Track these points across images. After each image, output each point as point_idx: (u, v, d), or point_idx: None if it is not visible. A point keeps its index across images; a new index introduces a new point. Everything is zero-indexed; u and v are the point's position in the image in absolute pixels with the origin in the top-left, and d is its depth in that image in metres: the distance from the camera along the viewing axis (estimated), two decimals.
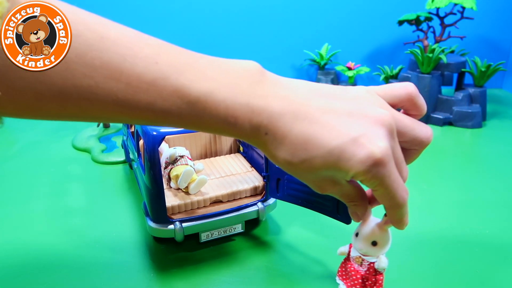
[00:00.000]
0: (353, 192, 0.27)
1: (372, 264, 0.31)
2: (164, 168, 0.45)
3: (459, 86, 0.89)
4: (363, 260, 0.31)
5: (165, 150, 0.46)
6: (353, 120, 0.22)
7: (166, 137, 0.41)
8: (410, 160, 0.27)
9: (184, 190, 0.43)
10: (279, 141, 0.23)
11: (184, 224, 0.40)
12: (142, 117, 0.23)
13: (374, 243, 0.30)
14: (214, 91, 0.22)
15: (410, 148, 0.26)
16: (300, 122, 0.22)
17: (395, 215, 0.26)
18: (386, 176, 0.23)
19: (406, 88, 0.26)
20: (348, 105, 0.23)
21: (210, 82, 0.22)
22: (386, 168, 0.22)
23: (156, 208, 0.39)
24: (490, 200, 0.53)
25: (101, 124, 0.75)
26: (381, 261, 0.31)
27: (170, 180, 0.44)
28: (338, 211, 0.36)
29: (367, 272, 0.32)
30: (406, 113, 0.28)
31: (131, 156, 0.54)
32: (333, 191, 0.26)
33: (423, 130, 0.26)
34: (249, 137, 0.24)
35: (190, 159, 0.45)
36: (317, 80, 1.04)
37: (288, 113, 0.22)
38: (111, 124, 0.77)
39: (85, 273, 0.39)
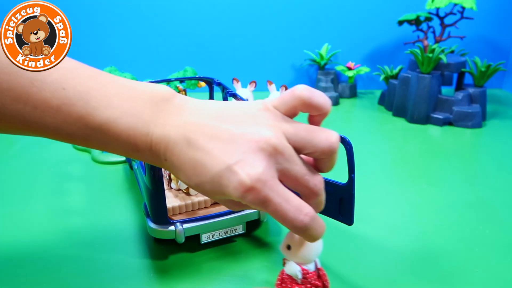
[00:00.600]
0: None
1: None
2: (165, 169, 0.45)
3: (459, 86, 0.89)
4: (285, 263, 0.31)
5: None
6: (234, 146, 0.23)
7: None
8: (325, 168, 0.27)
9: (185, 191, 0.43)
10: (177, 167, 0.24)
11: (185, 225, 0.40)
12: (51, 137, 0.24)
13: (288, 247, 0.30)
14: (116, 120, 0.23)
15: (319, 158, 0.26)
16: (191, 149, 0.23)
17: (300, 235, 0.26)
18: (265, 201, 0.23)
19: (292, 92, 0.25)
20: (236, 128, 0.24)
21: (113, 110, 0.23)
22: (262, 194, 0.22)
23: (156, 209, 0.39)
24: (490, 200, 0.53)
25: None
26: (287, 266, 0.30)
27: (171, 180, 0.44)
28: (340, 212, 0.36)
29: (286, 276, 0.31)
30: (311, 116, 0.27)
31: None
32: (246, 208, 0.27)
33: (322, 138, 0.25)
34: (153, 162, 0.25)
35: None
36: (317, 80, 1.04)
37: (181, 141, 0.24)
38: None
39: (85, 273, 0.39)
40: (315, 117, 0.27)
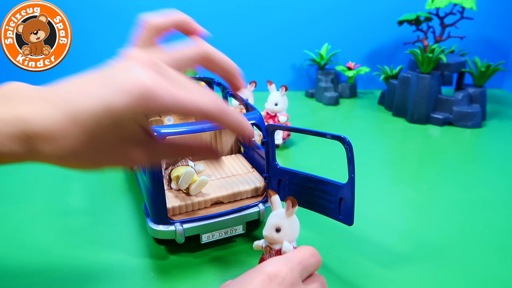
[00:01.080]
0: (168, 147, 0.25)
1: (278, 252, 0.32)
2: (165, 169, 0.45)
3: (459, 86, 0.89)
4: (270, 249, 0.32)
5: None
6: (107, 78, 0.20)
7: (167, 137, 0.41)
8: (226, 71, 0.27)
9: (184, 191, 0.43)
10: (50, 136, 0.20)
11: (185, 225, 0.40)
12: None
13: (277, 230, 0.32)
14: None
15: (203, 65, 0.26)
16: (54, 103, 0.20)
17: (229, 127, 0.23)
18: (172, 97, 0.20)
19: (142, 25, 0.26)
20: (107, 72, 0.21)
21: None
22: (166, 89, 0.20)
23: (156, 209, 0.39)
24: (490, 200, 0.53)
25: None
26: (285, 246, 0.32)
27: (171, 181, 0.44)
28: (340, 212, 0.36)
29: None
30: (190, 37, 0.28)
31: None
32: (145, 155, 0.24)
33: (190, 46, 0.25)
34: (20, 157, 0.21)
35: (191, 160, 0.45)
36: (317, 80, 1.04)
37: (38, 103, 0.20)
38: None
39: (85, 273, 0.39)
40: (190, 33, 0.28)
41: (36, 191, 0.55)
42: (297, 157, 0.67)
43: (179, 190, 0.44)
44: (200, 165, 0.45)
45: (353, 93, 1.05)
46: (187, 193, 0.43)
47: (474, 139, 0.78)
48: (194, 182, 0.42)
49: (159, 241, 0.43)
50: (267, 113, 0.68)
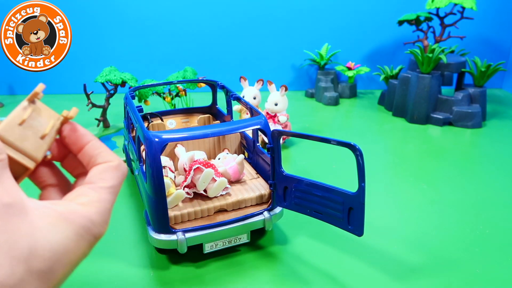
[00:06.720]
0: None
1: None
2: None
3: (459, 86, 0.89)
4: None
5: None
6: None
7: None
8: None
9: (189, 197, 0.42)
10: None
11: (187, 234, 0.38)
12: None
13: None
14: None
15: None
16: None
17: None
18: None
19: None
20: None
21: None
22: None
23: (158, 218, 0.38)
24: (490, 200, 0.53)
25: (101, 124, 0.74)
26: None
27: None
28: (349, 222, 0.34)
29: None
30: None
31: (132, 162, 0.53)
32: None
33: None
34: None
35: (172, 171, 0.44)
36: (317, 80, 1.03)
37: None
38: (111, 124, 0.75)
39: (83, 282, 0.38)
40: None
41: (37, 192, 0.54)
42: (297, 157, 0.66)
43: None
44: (181, 177, 0.44)
45: (353, 93, 1.05)
46: (191, 200, 0.42)
47: (474, 139, 0.77)
48: (170, 195, 0.40)
49: (161, 251, 0.42)
50: (267, 113, 0.67)
